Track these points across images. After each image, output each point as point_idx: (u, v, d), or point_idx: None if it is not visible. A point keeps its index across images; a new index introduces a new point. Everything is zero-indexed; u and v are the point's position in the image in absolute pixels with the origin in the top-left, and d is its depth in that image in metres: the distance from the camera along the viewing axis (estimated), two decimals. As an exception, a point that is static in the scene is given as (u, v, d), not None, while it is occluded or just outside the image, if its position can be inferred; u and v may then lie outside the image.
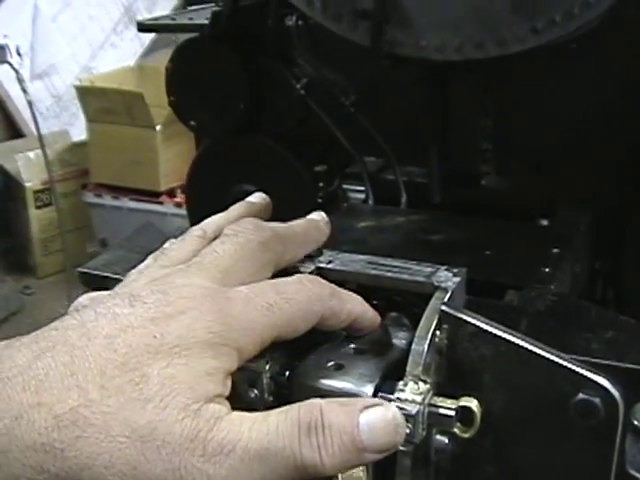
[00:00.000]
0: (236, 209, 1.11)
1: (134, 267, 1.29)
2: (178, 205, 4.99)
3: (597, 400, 0.94)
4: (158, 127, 5.16)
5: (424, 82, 1.44)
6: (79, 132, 5.97)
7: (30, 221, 5.59)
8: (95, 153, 5.49)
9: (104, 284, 1.31)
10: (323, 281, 0.97)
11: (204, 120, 1.63)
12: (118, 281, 1.27)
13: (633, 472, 1.03)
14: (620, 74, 1.38)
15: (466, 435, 0.97)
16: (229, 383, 0.84)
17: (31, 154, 5.48)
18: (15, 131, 6.30)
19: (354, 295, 1.00)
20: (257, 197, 1.14)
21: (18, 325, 4.97)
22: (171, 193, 5.13)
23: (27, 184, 5.51)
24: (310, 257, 1.12)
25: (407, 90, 1.49)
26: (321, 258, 1.12)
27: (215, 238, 0.95)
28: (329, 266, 1.10)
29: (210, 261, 0.88)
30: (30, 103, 4.99)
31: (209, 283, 0.84)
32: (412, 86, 1.48)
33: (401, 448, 0.95)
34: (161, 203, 5.14)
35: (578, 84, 1.40)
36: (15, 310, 5.12)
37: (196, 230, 1.02)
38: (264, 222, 0.99)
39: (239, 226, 0.95)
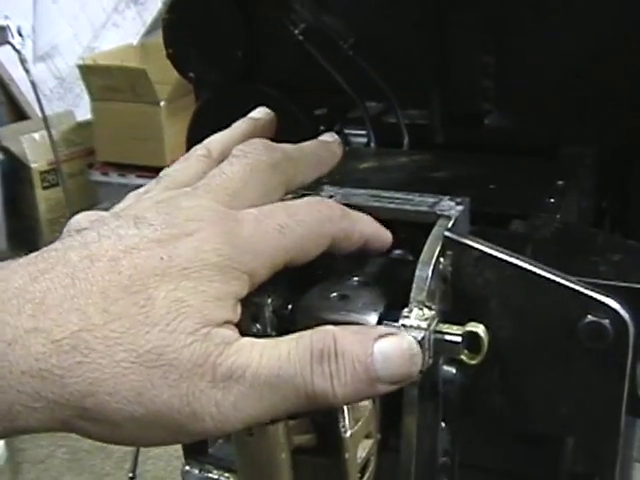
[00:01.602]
0: (240, 126, 1.08)
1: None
2: (184, 180, 4.98)
3: (606, 322, 0.92)
4: (162, 103, 5.15)
5: (423, 20, 1.42)
6: (84, 113, 5.96)
7: (37, 202, 5.59)
8: (100, 132, 5.49)
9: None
10: (333, 202, 0.95)
11: (203, 71, 1.61)
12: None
13: (645, 397, 1.01)
14: (628, 5, 1.36)
15: (474, 362, 0.95)
16: (239, 309, 0.82)
17: (36, 135, 5.48)
18: (19, 113, 6.30)
19: (365, 215, 0.97)
20: (261, 112, 1.11)
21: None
22: (177, 169, 5.10)
23: (33, 165, 5.51)
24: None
25: (406, 31, 1.47)
26: (322, 193, 1.10)
27: (221, 159, 0.92)
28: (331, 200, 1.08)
29: (218, 183, 0.85)
30: (33, 83, 4.98)
31: (217, 205, 0.82)
32: (411, 26, 1.46)
33: (407, 377, 0.95)
34: (167, 179, 5.11)
35: (582, 16, 1.37)
36: (25, 291, 5.07)
37: (200, 149, 0.99)
38: (273, 142, 0.96)
39: (248, 146, 0.92)
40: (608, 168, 1.45)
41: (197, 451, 1.34)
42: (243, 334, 0.90)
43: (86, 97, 5.74)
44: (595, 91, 1.41)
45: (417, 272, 0.94)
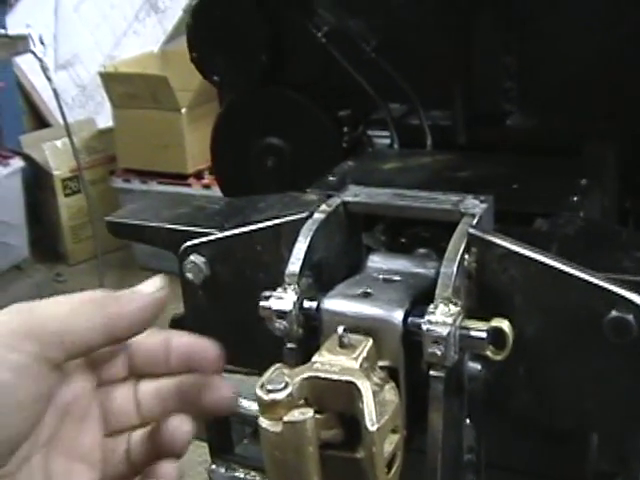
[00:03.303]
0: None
1: (159, 215, 1.30)
2: (206, 187, 5.00)
3: (630, 317, 0.93)
4: (183, 110, 5.15)
5: (446, 22, 1.43)
6: (105, 120, 5.97)
7: (60, 209, 5.60)
8: (121, 139, 5.49)
9: (132, 232, 1.32)
10: None
11: (227, 74, 1.63)
12: (145, 228, 1.28)
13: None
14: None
15: (499, 357, 0.96)
16: None
17: (58, 143, 5.49)
18: (41, 121, 6.32)
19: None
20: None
21: (52, 312, 4.95)
22: (198, 175, 5.13)
23: (55, 172, 5.51)
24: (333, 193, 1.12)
25: (429, 33, 1.48)
26: (347, 192, 1.11)
27: None
28: (356, 199, 1.09)
29: None
30: (55, 91, 4.99)
31: None
32: (434, 28, 1.47)
33: (433, 373, 0.95)
34: (189, 185, 5.14)
35: (602, 16, 1.38)
36: (48, 297, 5.10)
37: None
38: None
39: None
40: (631, 167, 1.46)
41: (223, 450, 1.35)
42: (270, 333, 0.91)
43: (107, 104, 5.75)
44: (616, 90, 1.41)
45: (442, 269, 0.95)
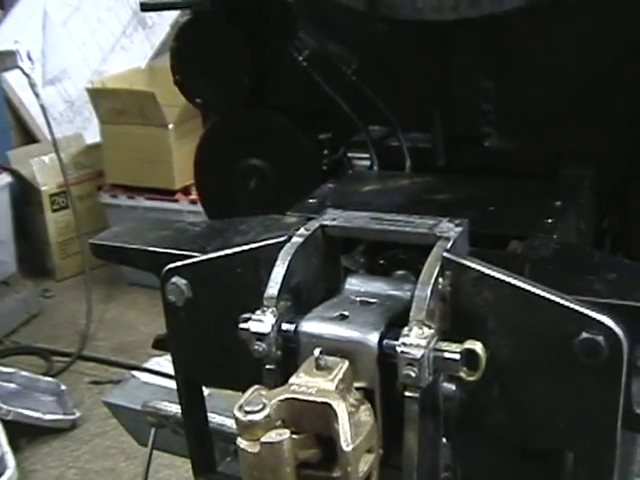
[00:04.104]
0: None
1: (142, 237, 1.32)
2: (193, 202, 5.00)
3: (600, 339, 0.95)
4: (171, 126, 5.17)
5: (424, 46, 1.45)
6: (93, 136, 5.97)
7: (47, 224, 5.61)
8: (109, 154, 5.50)
9: (115, 254, 1.34)
10: None
11: (210, 97, 1.65)
12: (128, 251, 1.30)
13: (641, 412, 1.04)
14: (620, 29, 1.39)
15: (472, 378, 0.98)
16: None
17: (46, 158, 5.50)
18: (29, 137, 6.32)
19: None
20: None
21: (38, 327, 5.00)
22: (186, 191, 5.14)
23: (43, 188, 5.52)
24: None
25: (408, 57, 1.50)
26: (325, 216, 1.13)
27: None
28: (333, 223, 1.11)
29: None
30: (42, 107, 5.01)
31: None
32: (412, 52, 1.49)
33: (408, 394, 0.97)
34: (176, 201, 5.15)
35: (577, 40, 1.40)
36: (35, 313, 5.14)
37: None
38: None
39: None
40: (607, 189, 1.48)
41: (206, 467, 1.37)
42: (249, 356, 0.94)
43: (95, 120, 5.76)
44: (594, 113, 1.43)
45: (416, 292, 0.97)
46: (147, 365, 2.85)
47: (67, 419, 3.92)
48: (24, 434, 3.81)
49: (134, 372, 2.42)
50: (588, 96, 1.43)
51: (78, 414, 3.95)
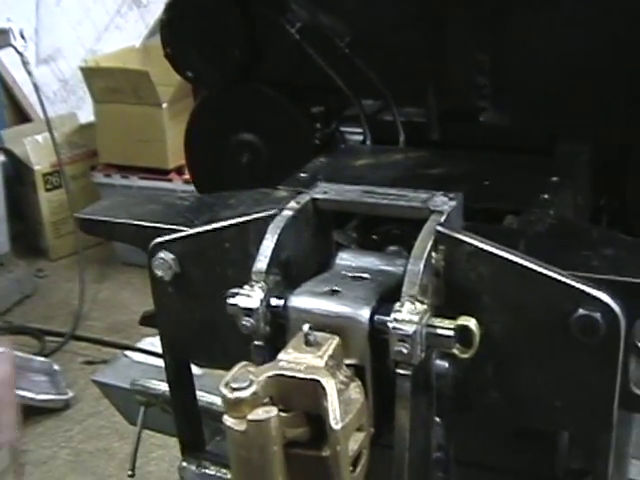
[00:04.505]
0: None
1: (129, 212, 1.29)
2: (187, 182, 4.96)
3: (598, 315, 0.93)
4: (165, 105, 5.14)
5: (418, 18, 1.43)
6: (87, 115, 5.94)
7: (40, 204, 5.58)
8: (103, 134, 5.47)
9: (101, 228, 1.31)
10: None
11: (201, 70, 1.62)
12: (115, 225, 1.28)
13: (638, 392, 1.02)
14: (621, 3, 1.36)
15: (465, 355, 0.96)
16: None
17: (39, 137, 5.47)
18: (22, 116, 6.28)
19: None
20: None
21: (32, 307, 4.98)
22: (180, 170, 5.10)
23: (36, 167, 5.49)
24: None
25: (402, 29, 1.47)
26: (316, 189, 1.10)
27: None
28: (325, 196, 1.09)
29: None
30: (36, 85, 4.97)
31: None
32: (408, 25, 1.46)
33: (400, 371, 0.95)
34: (170, 180, 5.13)
35: (578, 14, 1.38)
36: (29, 293, 5.11)
37: None
38: None
39: None
40: (605, 165, 1.45)
41: (195, 448, 1.35)
42: (237, 331, 0.91)
43: (89, 99, 5.72)
44: (591, 88, 1.41)
45: (409, 266, 0.95)
46: (140, 345, 2.82)
47: (60, 399, 3.90)
48: (17, 414, 3.79)
49: (127, 352, 2.40)
50: (586, 70, 1.41)
51: (71, 394, 3.93)
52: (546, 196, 1.21)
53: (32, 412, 3.83)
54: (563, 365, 0.97)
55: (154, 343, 2.88)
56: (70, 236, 5.47)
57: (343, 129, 1.59)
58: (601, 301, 0.93)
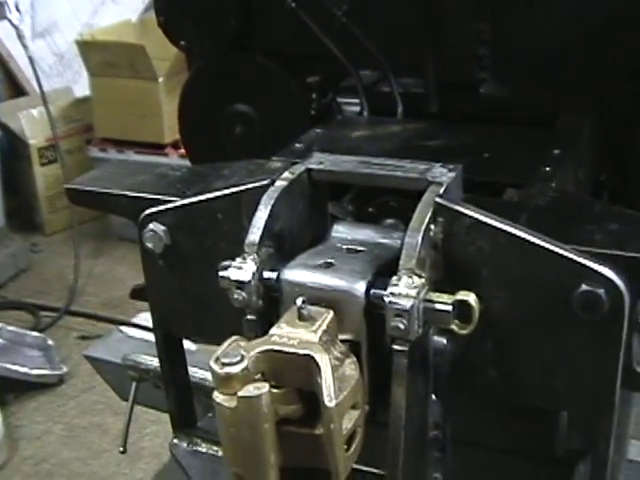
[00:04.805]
0: None
1: (120, 182, 1.26)
2: (183, 156, 4.90)
3: (601, 291, 0.90)
4: (161, 79, 5.10)
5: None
6: (83, 89, 5.90)
7: (35, 179, 5.54)
8: (99, 108, 5.43)
9: (92, 199, 1.28)
10: None
11: (195, 39, 1.59)
12: (105, 196, 1.25)
13: (641, 370, 0.99)
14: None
15: (464, 332, 0.93)
16: None
17: (34, 111, 5.43)
18: (18, 90, 6.24)
19: None
20: None
21: (26, 282, 4.94)
22: (176, 145, 5.06)
23: (31, 141, 5.45)
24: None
25: (401, -3, 1.44)
26: (311, 160, 1.07)
27: None
28: (320, 167, 1.06)
29: None
30: (31, 59, 4.94)
31: None
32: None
33: (396, 347, 0.92)
34: (166, 155, 5.09)
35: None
36: (23, 267, 5.08)
37: None
38: None
39: None
40: (607, 139, 1.43)
41: (186, 424, 1.32)
42: (229, 304, 0.89)
43: (85, 73, 5.68)
44: (594, 59, 1.38)
45: (406, 239, 0.92)
46: (135, 320, 2.80)
47: (54, 374, 3.88)
48: (11, 389, 3.78)
49: (121, 327, 2.38)
50: (589, 42, 1.37)
51: (65, 369, 3.91)
52: (547, 169, 1.18)
53: (26, 387, 3.81)
54: (564, 343, 0.95)
55: (148, 318, 2.86)
56: (65, 211, 5.43)
57: (339, 100, 1.56)
58: (605, 277, 0.90)
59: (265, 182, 1.03)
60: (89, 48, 5.45)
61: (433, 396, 1.02)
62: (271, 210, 0.98)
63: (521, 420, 1.22)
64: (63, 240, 5.45)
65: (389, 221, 1.14)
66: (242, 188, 1.06)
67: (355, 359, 0.91)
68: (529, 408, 1.11)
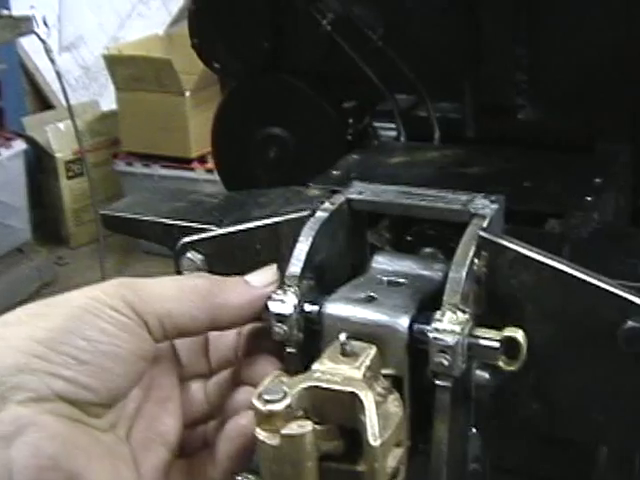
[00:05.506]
0: None
1: (156, 209, 1.26)
2: (209, 171, 4.94)
3: (647, 328, 0.89)
4: (187, 93, 5.13)
5: (454, 11, 1.38)
6: (109, 102, 5.94)
7: (62, 192, 5.58)
8: (125, 122, 5.46)
9: (127, 226, 1.27)
10: None
11: (228, 61, 1.58)
12: (141, 222, 1.24)
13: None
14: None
15: (511, 368, 0.92)
16: None
17: (61, 125, 5.46)
18: (44, 103, 6.29)
19: None
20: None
21: (51, 295, 4.89)
22: (202, 159, 5.09)
23: (58, 155, 5.49)
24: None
25: (438, 22, 1.43)
26: (351, 189, 1.06)
27: None
28: (360, 197, 1.05)
29: None
30: (58, 73, 4.96)
31: None
32: (442, 17, 1.42)
33: (439, 383, 0.91)
34: (192, 169, 5.11)
35: (620, 7, 1.33)
36: (49, 280, 5.11)
37: None
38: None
39: None
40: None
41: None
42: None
43: (111, 87, 5.72)
44: (631, 86, 1.37)
45: (450, 274, 0.91)
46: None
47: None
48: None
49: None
50: (628, 68, 1.36)
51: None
52: (589, 198, 1.17)
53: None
54: (608, 378, 0.93)
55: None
56: (91, 224, 5.46)
57: (376, 125, 1.56)
58: (651, 313, 0.89)
59: (305, 213, 1.02)
60: (116, 62, 5.48)
61: (473, 429, 1.01)
62: (312, 241, 0.97)
63: (558, 450, 1.21)
64: (89, 253, 5.48)
65: (427, 250, 1.12)
66: (282, 219, 1.05)
67: (399, 395, 0.90)
68: (568, 441, 1.10)
